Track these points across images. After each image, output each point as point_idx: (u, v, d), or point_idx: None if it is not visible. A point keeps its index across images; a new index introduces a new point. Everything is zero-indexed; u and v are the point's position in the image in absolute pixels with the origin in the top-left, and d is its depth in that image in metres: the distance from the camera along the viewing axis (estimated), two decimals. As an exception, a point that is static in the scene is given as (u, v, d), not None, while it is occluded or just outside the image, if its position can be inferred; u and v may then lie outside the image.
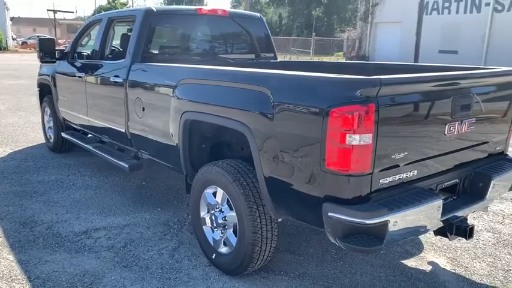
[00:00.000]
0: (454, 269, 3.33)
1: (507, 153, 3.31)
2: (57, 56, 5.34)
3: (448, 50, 22.06)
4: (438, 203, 2.48)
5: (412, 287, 3.06)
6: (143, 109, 3.84)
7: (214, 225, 3.18)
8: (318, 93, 2.38)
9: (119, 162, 4.33)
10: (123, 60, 4.19)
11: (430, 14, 23.65)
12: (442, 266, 3.36)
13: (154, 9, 4.25)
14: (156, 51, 4.39)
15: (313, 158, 2.36)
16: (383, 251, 3.55)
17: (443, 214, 2.59)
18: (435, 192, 2.61)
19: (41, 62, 5.48)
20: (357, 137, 2.20)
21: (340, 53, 35.11)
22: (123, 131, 4.24)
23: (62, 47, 5.64)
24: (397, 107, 2.35)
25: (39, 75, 6.29)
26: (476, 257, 3.51)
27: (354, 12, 38.81)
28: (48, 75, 5.92)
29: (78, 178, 5.20)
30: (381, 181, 2.36)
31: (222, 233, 3.15)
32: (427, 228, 2.54)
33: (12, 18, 55.33)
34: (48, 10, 44.53)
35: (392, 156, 2.37)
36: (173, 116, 3.40)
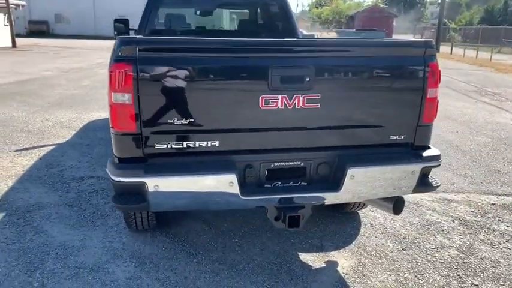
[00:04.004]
0: (346, 273, 2.89)
1: (423, 145, 2.66)
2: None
3: None
4: (226, 177, 2.30)
5: (273, 278, 2.82)
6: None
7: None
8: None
9: None
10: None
11: None
12: (337, 268, 2.96)
13: None
14: (159, 28, 4.82)
15: None
16: (293, 239, 3.28)
17: (259, 194, 2.41)
18: (228, 166, 2.36)
19: (116, 39, 6.49)
20: (117, 95, 2.25)
21: None
22: None
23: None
24: (166, 68, 2.26)
25: None
26: (394, 270, 2.94)
27: None
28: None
29: (131, 140, 6.04)
30: (157, 145, 2.33)
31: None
32: (220, 202, 2.38)
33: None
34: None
35: (170, 121, 2.31)
36: None
